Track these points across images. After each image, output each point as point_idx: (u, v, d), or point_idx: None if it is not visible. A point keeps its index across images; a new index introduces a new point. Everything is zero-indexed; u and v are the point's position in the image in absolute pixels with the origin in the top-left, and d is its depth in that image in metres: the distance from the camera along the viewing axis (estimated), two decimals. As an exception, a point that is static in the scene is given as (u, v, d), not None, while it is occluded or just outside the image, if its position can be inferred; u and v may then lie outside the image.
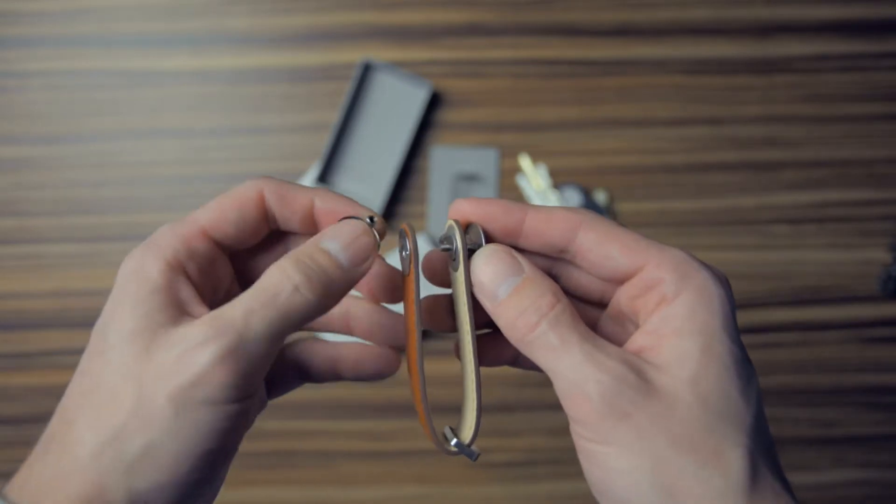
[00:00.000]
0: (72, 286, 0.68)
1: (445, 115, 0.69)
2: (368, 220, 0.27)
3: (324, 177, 0.67)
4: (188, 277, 0.25)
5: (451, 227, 0.27)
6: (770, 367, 0.68)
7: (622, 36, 0.69)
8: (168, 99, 0.69)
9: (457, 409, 0.29)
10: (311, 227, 0.28)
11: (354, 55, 0.68)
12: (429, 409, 0.27)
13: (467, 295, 0.26)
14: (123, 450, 0.22)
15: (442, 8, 0.69)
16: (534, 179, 0.68)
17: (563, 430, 0.74)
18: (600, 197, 0.68)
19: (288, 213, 0.27)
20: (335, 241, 0.25)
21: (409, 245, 0.27)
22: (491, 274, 0.25)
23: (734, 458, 0.22)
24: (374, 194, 0.67)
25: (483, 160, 0.68)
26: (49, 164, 0.69)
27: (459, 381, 0.28)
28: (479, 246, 0.26)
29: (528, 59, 0.69)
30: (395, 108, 0.68)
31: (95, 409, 0.23)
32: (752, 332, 0.68)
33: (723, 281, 0.25)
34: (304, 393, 0.67)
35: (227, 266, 0.28)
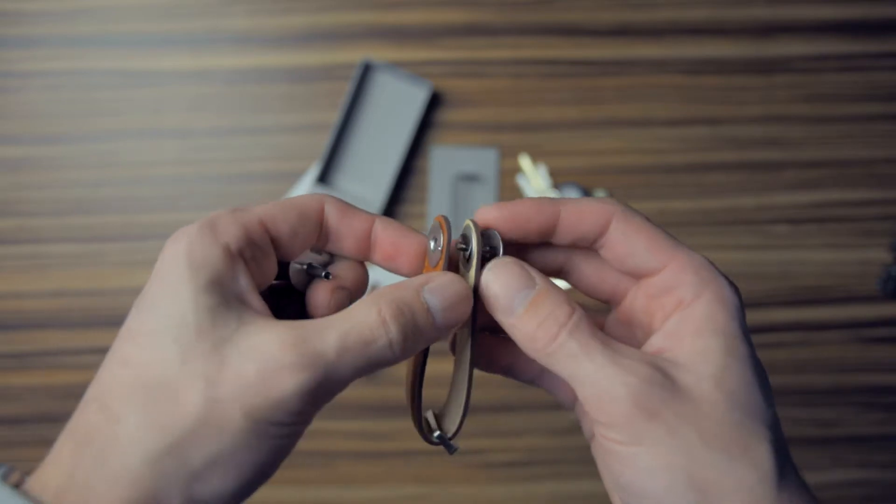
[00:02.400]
0: (72, 286, 0.68)
1: (445, 115, 0.69)
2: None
3: (324, 177, 0.67)
4: (245, 265, 0.24)
5: (468, 228, 0.26)
6: (770, 367, 0.67)
7: (622, 36, 0.69)
8: (168, 99, 0.69)
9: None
10: (363, 252, 0.27)
11: (354, 55, 0.68)
12: (420, 399, 0.27)
13: (473, 294, 0.26)
14: (188, 457, 0.21)
15: (441, 8, 0.69)
16: (534, 179, 0.68)
17: (563, 431, 0.74)
18: (600, 197, 0.68)
19: (345, 229, 0.27)
20: (437, 298, 0.25)
21: (442, 240, 0.26)
22: (504, 287, 0.25)
23: (762, 453, 0.23)
24: (374, 194, 0.67)
25: (483, 160, 0.68)
26: (49, 164, 0.69)
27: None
28: (497, 250, 0.26)
29: (528, 59, 0.69)
30: (395, 108, 0.68)
31: (152, 407, 0.21)
32: (752, 332, 0.68)
33: (735, 289, 0.25)
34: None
35: (274, 266, 0.26)
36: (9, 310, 0.68)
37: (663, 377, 0.23)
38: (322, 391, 0.23)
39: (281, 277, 0.28)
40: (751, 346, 0.25)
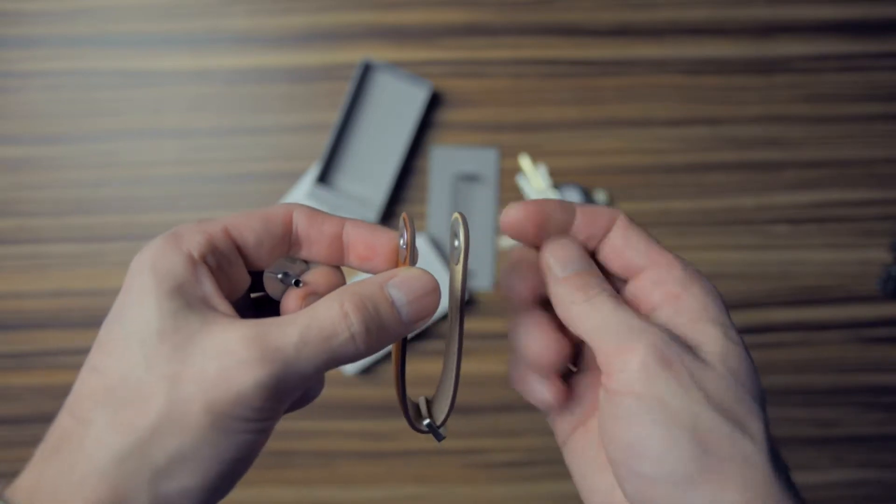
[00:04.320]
0: (72, 286, 0.68)
1: (445, 115, 0.69)
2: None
3: (324, 177, 0.67)
4: (209, 270, 0.25)
5: (455, 221, 0.26)
6: (770, 367, 0.68)
7: (622, 36, 0.69)
8: (167, 99, 0.69)
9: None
10: (337, 256, 0.28)
11: (354, 55, 0.68)
12: (404, 387, 0.28)
13: (462, 286, 0.27)
14: (152, 454, 0.22)
15: (441, 8, 0.69)
16: (534, 179, 0.68)
17: (563, 430, 0.73)
18: (600, 197, 0.68)
19: (316, 234, 0.27)
20: (401, 291, 0.25)
21: (406, 236, 0.27)
22: (566, 256, 0.27)
23: (758, 430, 0.23)
24: (374, 194, 0.67)
25: (483, 160, 0.68)
26: (49, 164, 0.69)
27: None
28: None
29: (528, 59, 0.69)
30: (395, 108, 0.68)
31: (119, 409, 0.22)
32: (752, 332, 0.68)
33: (715, 288, 0.27)
34: (304, 393, 0.67)
35: (244, 274, 0.27)
36: (9, 310, 0.68)
37: (681, 340, 0.25)
38: (283, 386, 0.23)
39: (260, 289, 0.28)
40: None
